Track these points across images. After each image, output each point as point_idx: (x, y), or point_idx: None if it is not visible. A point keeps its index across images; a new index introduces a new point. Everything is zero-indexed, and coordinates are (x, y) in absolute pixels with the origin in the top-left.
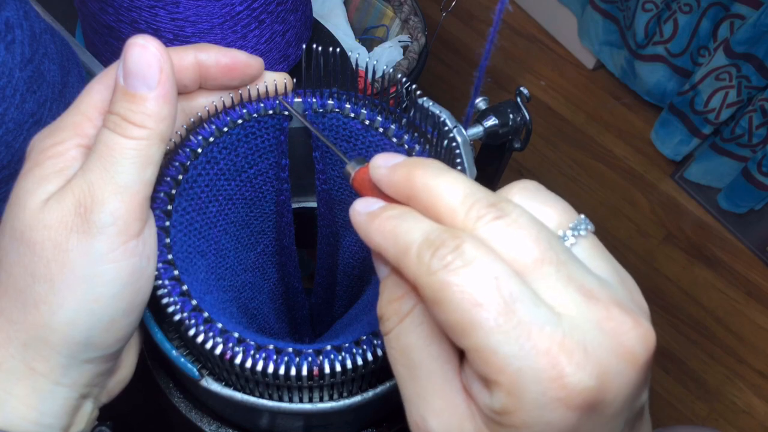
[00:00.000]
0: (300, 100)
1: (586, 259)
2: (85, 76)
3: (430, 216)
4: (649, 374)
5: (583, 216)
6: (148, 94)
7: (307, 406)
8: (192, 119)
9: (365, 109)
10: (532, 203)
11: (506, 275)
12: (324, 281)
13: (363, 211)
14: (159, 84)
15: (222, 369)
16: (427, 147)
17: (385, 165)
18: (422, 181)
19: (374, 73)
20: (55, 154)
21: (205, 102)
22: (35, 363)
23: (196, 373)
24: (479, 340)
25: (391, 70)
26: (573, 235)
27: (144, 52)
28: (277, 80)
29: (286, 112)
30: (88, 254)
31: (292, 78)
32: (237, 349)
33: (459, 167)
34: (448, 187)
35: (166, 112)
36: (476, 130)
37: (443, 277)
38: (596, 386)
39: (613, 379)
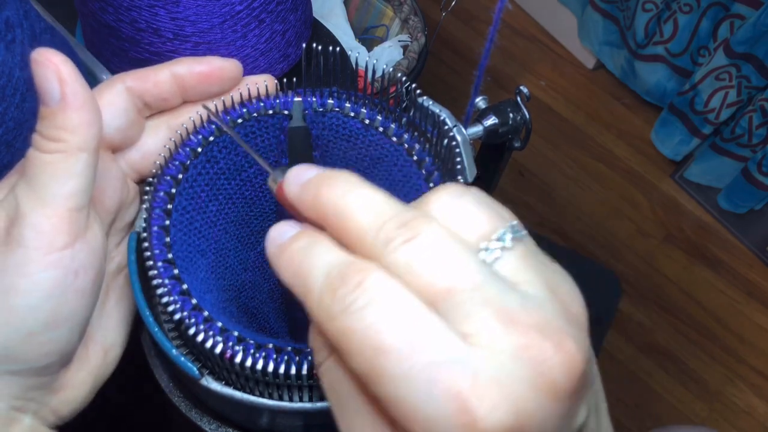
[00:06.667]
0: (300, 99)
1: (512, 273)
2: (85, 76)
3: (342, 241)
4: (581, 396)
5: (512, 222)
6: (54, 107)
7: (307, 405)
8: (179, 131)
9: (365, 109)
10: (452, 213)
11: (413, 312)
12: None
13: (274, 241)
14: (62, 96)
15: (222, 368)
16: (427, 146)
17: (297, 182)
18: (331, 202)
19: (374, 72)
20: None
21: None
22: None
23: (196, 372)
24: (386, 389)
25: (391, 70)
26: (498, 248)
27: (39, 67)
28: (258, 83)
29: (285, 112)
30: (6, 266)
31: (292, 78)
32: (237, 348)
33: (459, 166)
34: (358, 206)
35: (77, 120)
36: (476, 129)
37: (343, 324)
38: (513, 425)
39: (532, 414)
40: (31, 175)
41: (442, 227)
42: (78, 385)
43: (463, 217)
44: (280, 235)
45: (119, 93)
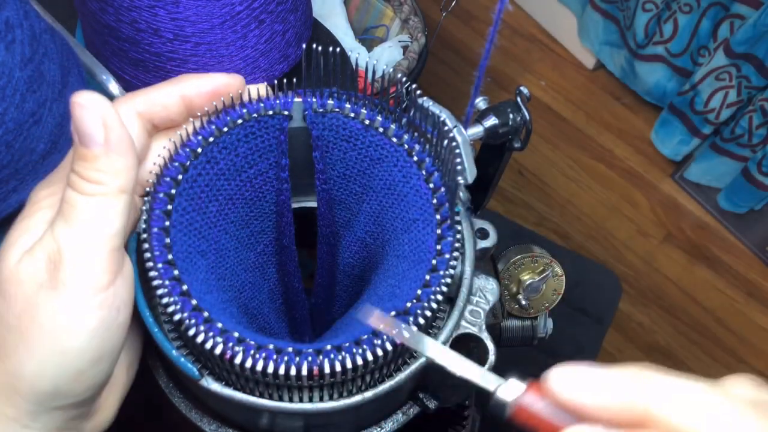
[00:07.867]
0: (300, 99)
1: None
2: (85, 76)
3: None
4: None
5: None
6: (97, 151)
7: (307, 405)
8: (179, 132)
9: (365, 109)
10: None
11: None
12: (324, 281)
13: None
14: (106, 140)
15: (222, 369)
16: (428, 146)
17: (585, 388)
18: (665, 407)
19: (374, 73)
20: (46, 205)
21: None
22: (5, 408)
23: (196, 372)
24: None
25: (391, 70)
26: None
27: (83, 110)
28: (260, 88)
29: (286, 112)
30: (55, 309)
31: (292, 78)
32: (237, 348)
33: (459, 167)
34: (700, 405)
35: (121, 165)
36: (476, 130)
37: None
38: None
39: None
40: (72, 217)
41: None
42: (109, 407)
43: None
44: None
45: (131, 120)
